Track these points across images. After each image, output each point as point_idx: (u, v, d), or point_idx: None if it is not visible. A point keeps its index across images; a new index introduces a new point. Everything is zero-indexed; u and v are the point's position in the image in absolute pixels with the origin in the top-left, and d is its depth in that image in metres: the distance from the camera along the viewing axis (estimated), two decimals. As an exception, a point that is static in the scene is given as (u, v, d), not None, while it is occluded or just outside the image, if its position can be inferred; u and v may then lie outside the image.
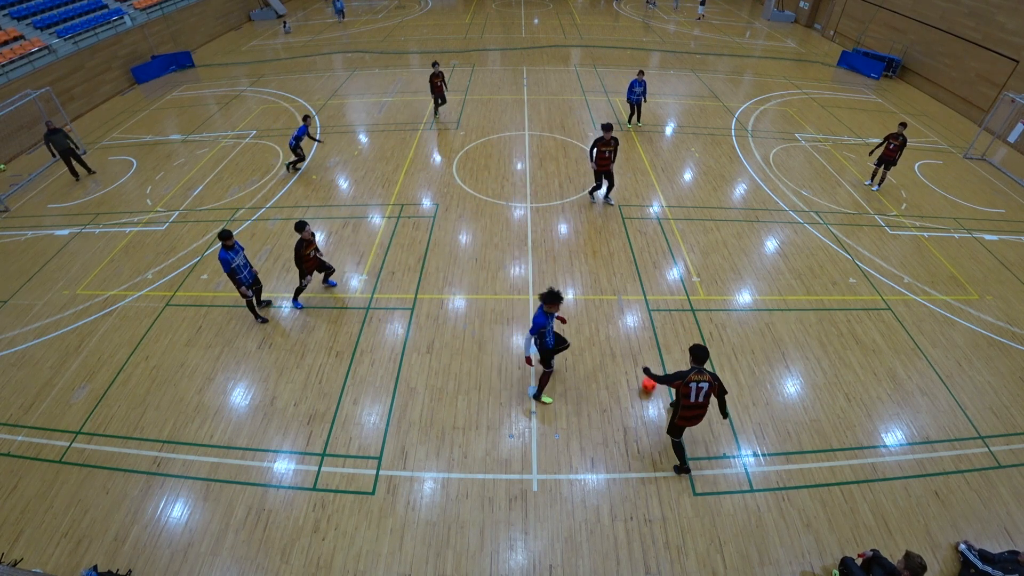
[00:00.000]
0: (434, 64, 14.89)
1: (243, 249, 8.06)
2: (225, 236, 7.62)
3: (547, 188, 12.19)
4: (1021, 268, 10.07)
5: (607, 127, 10.35)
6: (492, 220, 11.08)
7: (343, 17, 28.46)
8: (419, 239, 10.52)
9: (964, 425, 7.16)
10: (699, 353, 5.68)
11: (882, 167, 11.98)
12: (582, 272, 9.66)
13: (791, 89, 18.50)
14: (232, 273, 7.80)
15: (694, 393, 5.75)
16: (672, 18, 28.60)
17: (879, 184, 12.33)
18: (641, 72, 14.40)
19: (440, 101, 15.52)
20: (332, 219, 11.20)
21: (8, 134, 14.34)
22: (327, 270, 9.14)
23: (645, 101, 14.77)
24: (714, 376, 5.75)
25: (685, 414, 5.95)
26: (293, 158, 12.98)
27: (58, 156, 12.80)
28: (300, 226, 8.09)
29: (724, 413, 5.95)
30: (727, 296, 9.20)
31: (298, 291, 8.78)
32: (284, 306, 9.01)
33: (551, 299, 6.28)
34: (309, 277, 8.56)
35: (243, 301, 8.65)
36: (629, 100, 14.75)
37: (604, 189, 11.50)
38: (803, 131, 15.22)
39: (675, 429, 6.23)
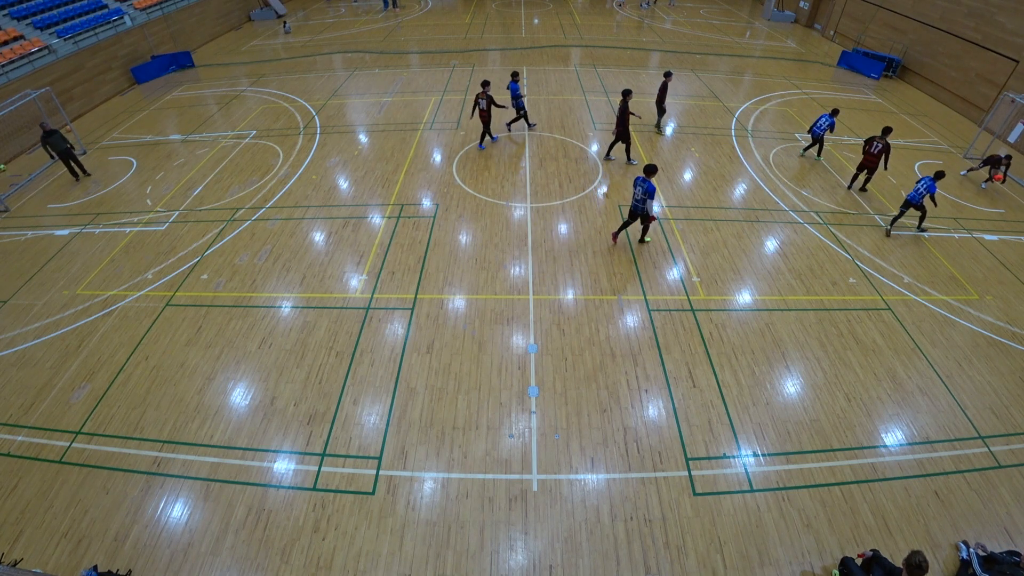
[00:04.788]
0: (667, 74, 13.85)
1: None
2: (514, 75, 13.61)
3: (547, 188, 12.19)
4: (1021, 268, 10.07)
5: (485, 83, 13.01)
6: (492, 220, 11.08)
7: (396, 6, 30.24)
8: (419, 239, 10.52)
9: (964, 425, 7.16)
10: (886, 129, 11.18)
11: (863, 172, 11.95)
12: (582, 272, 9.66)
13: (791, 89, 18.51)
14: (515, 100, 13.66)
15: (874, 147, 11.27)
16: (669, 16, 28.61)
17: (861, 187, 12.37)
18: (835, 111, 12.90)
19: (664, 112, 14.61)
20: (332, 219, 11.20)
21: (8, 134, 14.35)
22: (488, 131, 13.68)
23: (831, 131, 13.11)
24: (886, 149, 11.09)
25: (867, 158, 11.46)
26: (518, 116, 14.39)
27: (56, 157, 12.77)
28: (485, 83, 12.82)
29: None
30: (727, 296, 9.20)
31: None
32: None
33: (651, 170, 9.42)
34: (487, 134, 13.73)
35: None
36: (815, 134, 13.15)
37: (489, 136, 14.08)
38: (803, 131, 15.21)
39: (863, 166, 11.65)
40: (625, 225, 10.16)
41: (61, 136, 12.59)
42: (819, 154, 13.67)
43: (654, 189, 9.32)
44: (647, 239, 10.47)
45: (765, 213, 11.43)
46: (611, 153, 13.49)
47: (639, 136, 14.69)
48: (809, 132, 13.43)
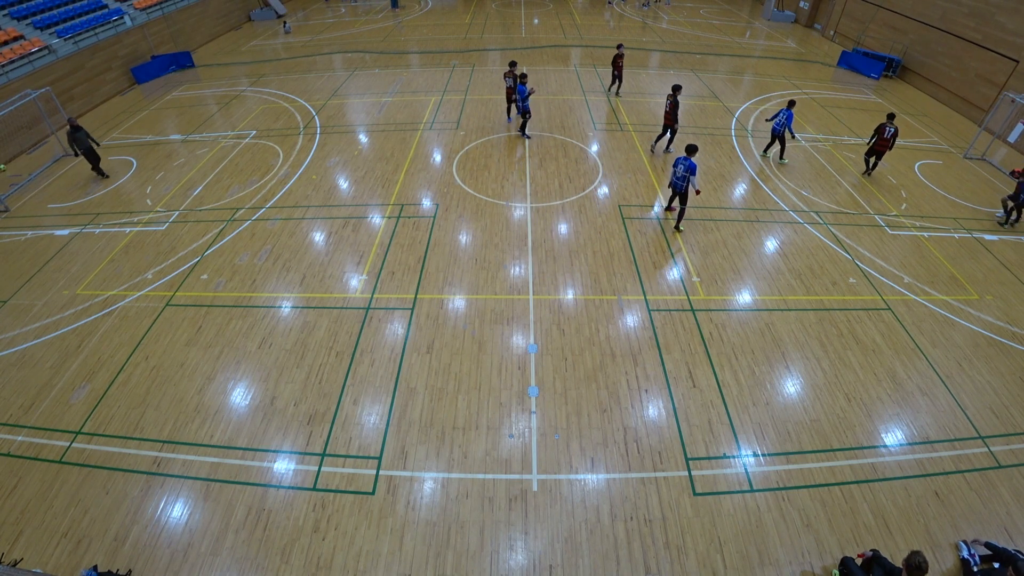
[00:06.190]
0: (619, 46, 16.66)
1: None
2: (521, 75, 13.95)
3: (547, 188, 12.20)
4: (1021, 268, 10.07)
5: (513, 63, 14.51)
6: (492, 220, 11.08)
7: (397, 6, 30.69)
8: (419, 239, 10.52)
9: (964, 425, 7.16)
10: (891, 115, 11.90)
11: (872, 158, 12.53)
12: (582, 272, 9.66)
13: (791, 89, 18.50)
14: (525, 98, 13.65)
15: (887, 132, 11.90)
16: (668, 16, 28.60)
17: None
18: (791, 103, 12.78)
19: (619, 82, 17.31)
20: (332, 219, 11.20)
21: (8, 134, 14.34)
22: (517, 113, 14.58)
23: (793, 137, 13.37)
24: (897, 133, 11.85)
25: (881, 142, 12.05)
26: (523, 119, 14.48)
27: (80, 154, 12.59)
28: (512, 64, 14.32)
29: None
30: (727, 296, 9.20)
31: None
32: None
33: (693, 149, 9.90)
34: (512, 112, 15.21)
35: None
36: (775, 131, 13.04)
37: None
38: (803, 131, 15.21)
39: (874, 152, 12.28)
40: (671, 203, 11.01)
41: (87, 133, 12.55)
42: (772, 152, 13.69)
43: (695, 167, 9.84)
44: (681, 228, 10.80)
45: (765, 213, 11.43)
46: (670, 146, 13.83)
47: (624, 118, 14.69)
48: (771, 130, 13.25)
